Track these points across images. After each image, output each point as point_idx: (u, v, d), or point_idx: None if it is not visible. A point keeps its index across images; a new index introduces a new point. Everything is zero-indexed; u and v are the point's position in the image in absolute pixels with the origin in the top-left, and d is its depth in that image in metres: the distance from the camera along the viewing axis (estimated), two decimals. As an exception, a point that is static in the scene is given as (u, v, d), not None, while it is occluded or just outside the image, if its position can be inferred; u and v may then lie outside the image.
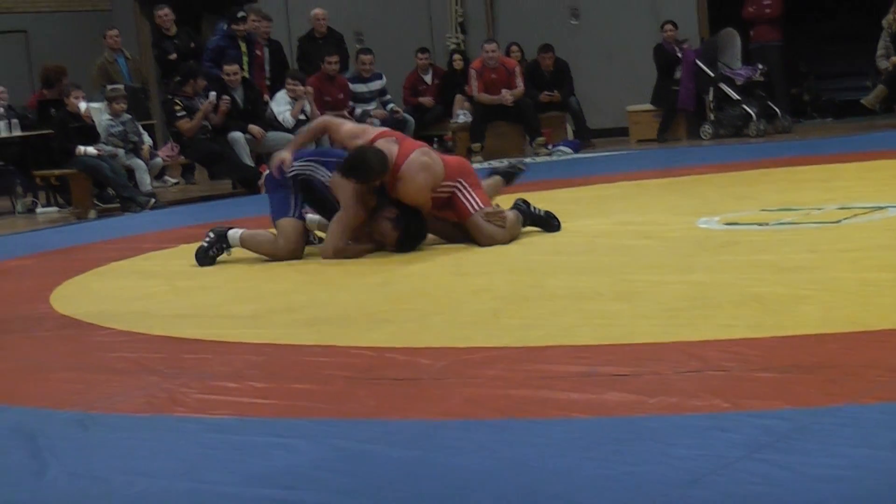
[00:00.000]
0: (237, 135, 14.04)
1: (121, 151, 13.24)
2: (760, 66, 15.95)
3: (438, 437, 3.49)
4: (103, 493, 3.30)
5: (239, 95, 14.36)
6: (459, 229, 7.47)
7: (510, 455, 3.22)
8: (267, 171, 8.08)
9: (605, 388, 3.76)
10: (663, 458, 3.05)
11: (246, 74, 14.82)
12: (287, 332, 5.28)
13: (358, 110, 15.49)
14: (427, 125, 16.59)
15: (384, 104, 15.91)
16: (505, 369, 4.18)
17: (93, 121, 13.31)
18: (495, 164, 7.85)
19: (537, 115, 16.21)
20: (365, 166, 7.24)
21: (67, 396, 4.47)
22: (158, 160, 14.02)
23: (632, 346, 4.32)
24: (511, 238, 7.33)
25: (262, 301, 6.21)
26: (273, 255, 7.62)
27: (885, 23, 15.18)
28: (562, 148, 15.80)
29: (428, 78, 17.03)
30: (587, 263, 6.36)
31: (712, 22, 17.32)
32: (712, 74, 15.89)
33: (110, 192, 13.59)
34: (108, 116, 13.39)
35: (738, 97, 15.78)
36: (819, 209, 7.33)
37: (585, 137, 16.79)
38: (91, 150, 13.00)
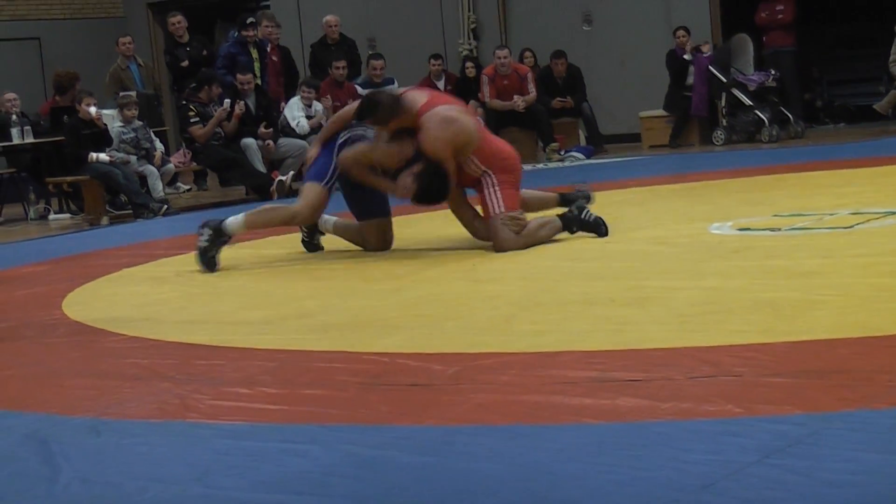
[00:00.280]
0: (250, 141, 14.06)
1: (133, 158, 13.26)
2: (773, 72, 15.93)
3: (451, 443, 3.48)
4: (116, 499, 3.30)
5: (251, 102, 14.38)
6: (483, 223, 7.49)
7: (522, 461, 3.22)
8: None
9: (617, 394, 3.75)
10: (676, 463, 3.05)
11: (258, 81, 14.85)
12: (299, 338, 5.28)
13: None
14: (439, 131, 16.55)
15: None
16: (517, 375, 4.18)
17: (105, 124, 13.33)
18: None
19: (550, 121, 16.21)
20: (373, 102, 7.34)
21: (80, 402, 4.48)
22: (170, 167, 14.04)
23: (644, 352, 4.32)
24: (527, 245, 7.29)
25: (275, 307, 6.21)
26: (288, 221, 7.60)
27: (897, 28, 15.17)
28: (574, 154, 15.79)
29: (440, 84, 17.02)
30: (600, 269, 6.36)
31: (725, 28, 17.31)
32: (725, 80, 15.87)
33: (123, 199, 13.61)
34: (120, 123, 13.42)
35: (751, 103, 15.76)
36: (832, 214, 7.32)
37: (598, 143, 16.78)
38: (103, 156, 13.02)
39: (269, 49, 15.85)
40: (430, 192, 7.28)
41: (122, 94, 14.61)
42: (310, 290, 6.72)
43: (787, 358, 4.02)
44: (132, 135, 13.37)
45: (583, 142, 16.90)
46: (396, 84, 15.95)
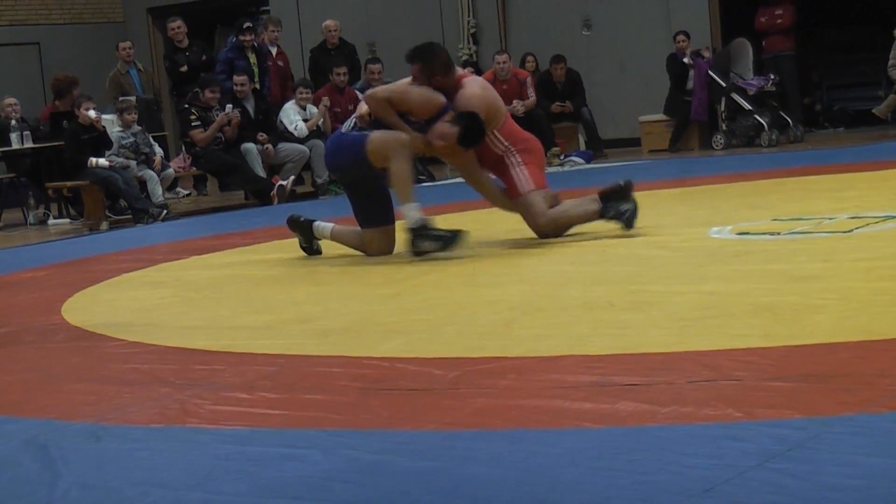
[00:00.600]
0: (250, 146, 14.07)
1: (132, 163, 13.27)
2: (772, 77, 15.95)
3: (451, 448, 3.48)
4: (116, 504, 3.31)
5: (250, 106, 14.39)
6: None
7: (523, 465, 3.22)
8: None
9: (617, 398, 3.75)
10: (676, 467, 3.05)
11: (256, 85, 14.85)
12: (299, 342, 5.28)
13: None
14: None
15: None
16: (517, 379, 4.18)
17: (104, 126, 13.34)
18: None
19: (550, 125, 16.22)
20: (435, 51, 7.66)
21: (80, 408, 4.48)
22: (170, 171, 14.05)
23: (644, 356, 4.32)
24: (559, 225, 7.61)
25: (275, 312, 6.21)
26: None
27: (896, 33, 15.19)
28: (574, 158, 15.80)
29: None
30: (600, 273, 6.36)
31: (724, 32, 17.32)
32: (724, 85, 15.89)
33: (122, 204, 13.62)
34: (120, 128, 13.43)
35: (751, 107, 15.78)
36: (831, 219, 7.32)
37: (598, 148, 16.80)
38: (103, 161, 13.02)
39: (274, 53, 15.88)
40: (472, 133, 7.41)
41: (121, 98, 14.62)
42: (310, 295, 6.72)
43: (787, 362, 4.02)
44: (132, 140, 13.39)
45: (582, 146, 16.93)
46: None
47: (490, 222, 8.57)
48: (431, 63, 7.53)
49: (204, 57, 15.94)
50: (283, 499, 3.17)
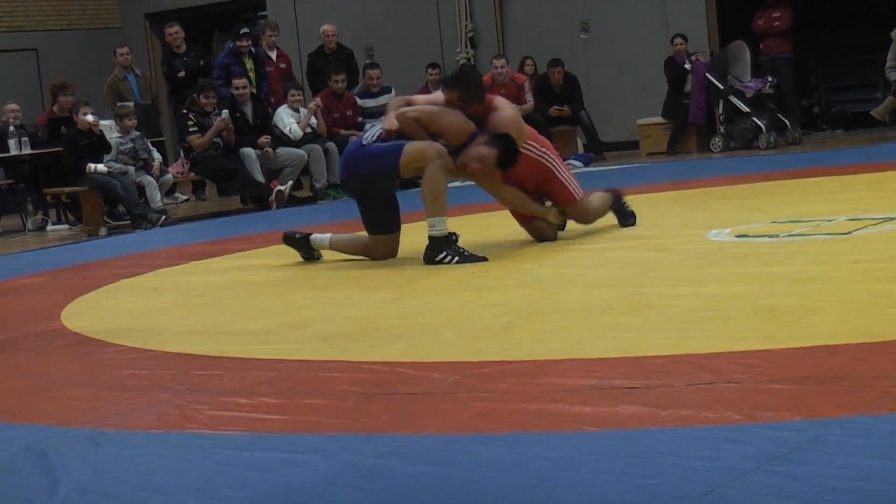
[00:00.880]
0: (248, 151, 14.07)
1: (131, 168, 13.27)
2: (770, 79, 15.96)
3: (451, 452, 3.48)
4: (116, 510, 3.30)
5: (248, 111, 14.40)
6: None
7: (523, 469, 3.22)
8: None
9: (617, 401, 3.75)
10: (676, 470, 3.05)
11: (254, 90, 14.86)
12: (299, 347, 5.28)
13: (367, 125, 15.50)
14: (437, 140, 16.58)
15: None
16: (517, 383, 4.18)
17: (101, 130, 13.34)
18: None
19: (548, 129, 16.22)
20: (476, 82, 7.71)
21: (79, 413, 4.47)
22: (169, 177, 14.05)
23: (644, 359, 4.31)
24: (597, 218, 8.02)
25: (274, 317, 6.21)
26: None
27: (893, 35, 15.20)
28: (573, 161, 15.79)
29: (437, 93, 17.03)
30: (599, 277, 6.36)
31: (722, 35, 17.33)
32: (722, 87, 15.90)
33: (121, 210, 13.62)
34: (118, 134, 13.43)
35: (748, 110, 15.78)
36: (830, 221, 7.32)
37: (596, 151, 16.81)
38: (101, 167, 13.03)
39: (274, 57, 15.89)
40: (509, 155, 7.45)
41: (119, 104, 14.62)
42: (309, 300, 6.72)
43: (786, 364, 4.02)
44: (130, 145, 13.39)
45: (581, 149, 16.93)
46: (394, 93, 15.98)
47: (488, 226, 8.58)
48: (470, 93, 7.54)
49: (202, 62, 15.94)
50: (283, 504, 3.17)
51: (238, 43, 15.34)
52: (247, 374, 4.80)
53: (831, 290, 5.23)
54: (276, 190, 13.76)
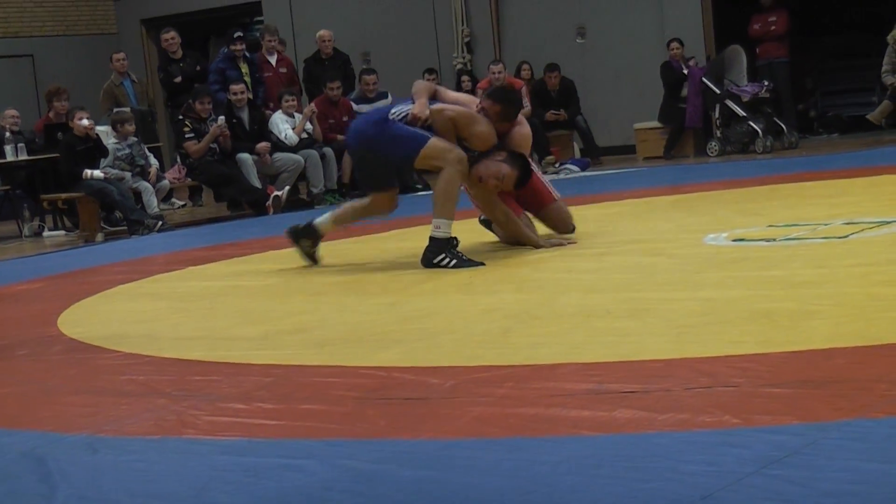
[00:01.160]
0: (245, 156, 14.08)
1: (127, 174, 13.27)
2: (767, 83, 15.97)
3: (449, 457, 3.48)
4: (113, 516, 3.30)
5: (245, 116, 14.40)
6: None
7: (521, 473, 3.21)
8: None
9: (614, 406, 3.75)
10: (673, 474, 3.05)
11: (249, 95, 14.87)
12: (296, 352, 5.27)
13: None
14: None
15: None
16: (515, 388, 4.17)
17: (97, 135, 13.35)
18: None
19: (545, 133, 16.23)
20: (515, 98, 8.06)
21: (76, 420, 4.47)
22: (165, 183, 14.06)
23: (641, 363, 4.31)
24: None
25: (271, 322, 6.20)
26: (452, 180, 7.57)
27: (890, 39, 15.21)
28: (569, 166, 15.82)
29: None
30: (596, 281, 6.36)
31: (718, 39, 17.34)
32: (719, 92, 15.91)
33: (117, 215, 13.62)
34: (115, 140, 13.43)
35: (745, 114, 15.80)
36: (826, 225, 7.32)
37: (593, 155, 16.82)
38: (98, 173, 13.03)
39: (274, 62, 15.90)
40: (526, 174, 7.59)
41: (116, 110, 14.63)
42: (306, 305, 6.72)
43: (784, 368, 4.01)
44: (127, 151, 13.39)
45: (578, 154, 16.94)
46: (391, 98, 15.99)
47: (485, 231, 8.57)
48: (510, 111, 7.63)
49: (198, 68, 15.95)
50: (280, 509, 3.17)
51: (232, 47, 15.35)
52: (244, 380, 4.80)
53: (828, 293, 5.22)
54: (273, 195, 13.76)
